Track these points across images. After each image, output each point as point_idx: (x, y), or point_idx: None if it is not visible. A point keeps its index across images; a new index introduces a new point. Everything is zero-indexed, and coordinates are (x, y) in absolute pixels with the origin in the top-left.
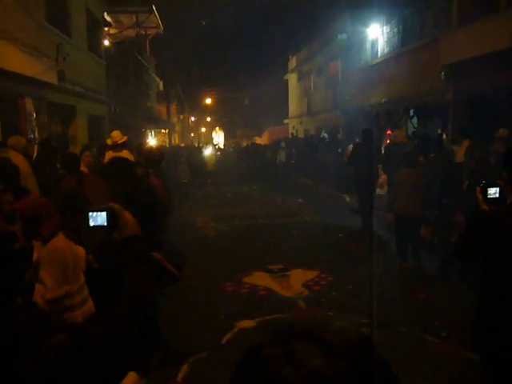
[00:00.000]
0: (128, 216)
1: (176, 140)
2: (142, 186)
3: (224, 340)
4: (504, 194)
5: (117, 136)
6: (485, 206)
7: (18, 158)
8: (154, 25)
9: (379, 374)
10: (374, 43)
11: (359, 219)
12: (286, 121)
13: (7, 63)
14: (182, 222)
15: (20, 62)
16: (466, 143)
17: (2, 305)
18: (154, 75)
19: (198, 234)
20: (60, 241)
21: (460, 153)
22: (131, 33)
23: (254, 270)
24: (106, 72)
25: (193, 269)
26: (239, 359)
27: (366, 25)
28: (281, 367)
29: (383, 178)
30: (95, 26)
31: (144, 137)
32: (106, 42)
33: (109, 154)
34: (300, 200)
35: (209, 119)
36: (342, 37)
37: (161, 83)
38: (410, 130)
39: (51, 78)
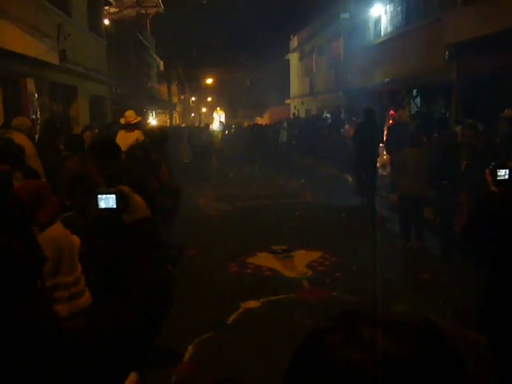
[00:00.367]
0: (138, 198)
1: (177, 120)
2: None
3: (229, 320)
4: None
5: (131, 116)
6: (494, 188)
7: (21, 139)
8: (155, 3)
9: (447, 359)
10: (377, 22)
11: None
12: (287, 101)
13: (8, 43)
14: (185, 203)
15: (21, 43)
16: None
17: (28, 286)
18: (155, 55)
19: (201, 215)
20: (57, 229)
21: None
22: (131, 12)
23: (257, 251)
24: (107, 52)
25: (197, 249)
26: (298, 346)
27: (369, 3)
28: (350, 353)
29: (386, 158)
30: (95, 5)
31: (145, 117)
32: (107, 22)
33: (121, 134)
34: (302, 180)
35: (209, 99)
36: (345, 16)
37: (161, 63)
38: (413, 109)
39: (52, 58)
